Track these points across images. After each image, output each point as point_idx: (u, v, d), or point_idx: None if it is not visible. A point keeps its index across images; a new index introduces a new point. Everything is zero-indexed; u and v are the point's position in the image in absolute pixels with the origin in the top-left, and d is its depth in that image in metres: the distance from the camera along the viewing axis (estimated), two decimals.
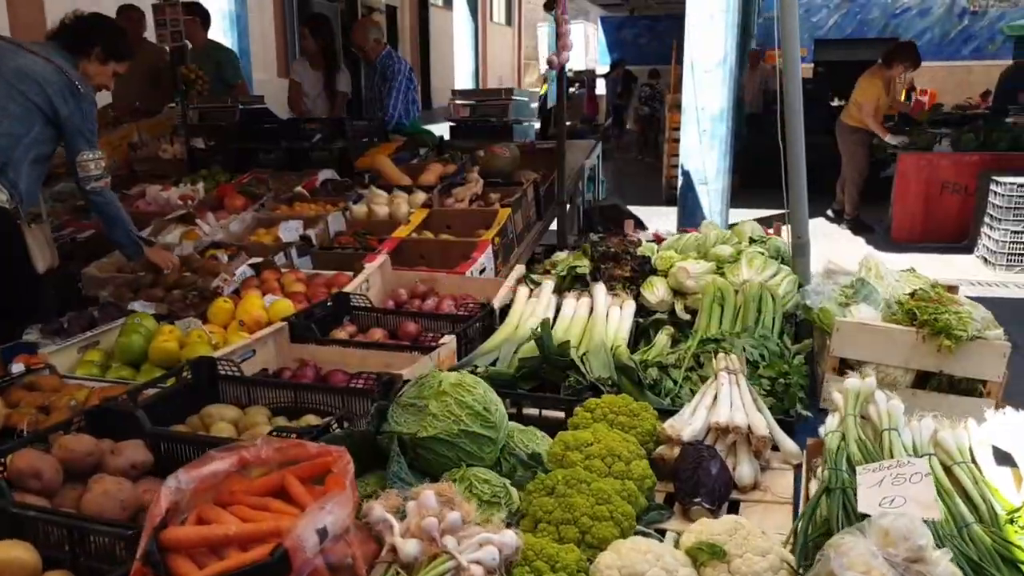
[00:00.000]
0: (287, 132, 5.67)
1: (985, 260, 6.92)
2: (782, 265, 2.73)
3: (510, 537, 1.17)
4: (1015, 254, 6.60)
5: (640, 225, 4.64)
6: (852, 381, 1.73)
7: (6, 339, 2.91)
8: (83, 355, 2.64)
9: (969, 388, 2.32)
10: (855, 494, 1.38)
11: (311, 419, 2.09)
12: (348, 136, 5.16)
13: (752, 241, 3.04)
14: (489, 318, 2.74)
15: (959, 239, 7.59)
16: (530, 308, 2.69)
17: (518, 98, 5.38)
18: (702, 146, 7.63)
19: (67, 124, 3.09)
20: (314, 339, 2.61)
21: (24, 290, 3.15)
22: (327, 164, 5.07)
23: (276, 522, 1.15)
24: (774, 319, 2.40)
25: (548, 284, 2.73)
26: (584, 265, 2.79)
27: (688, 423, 1.67)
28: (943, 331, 2.26)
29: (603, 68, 25.13)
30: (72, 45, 3.14)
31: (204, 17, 6.54)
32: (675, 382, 2.14)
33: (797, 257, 2.70)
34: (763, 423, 1.65)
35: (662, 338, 2.47)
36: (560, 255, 3.19)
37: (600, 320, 2.51)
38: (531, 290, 2.80)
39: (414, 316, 2.86)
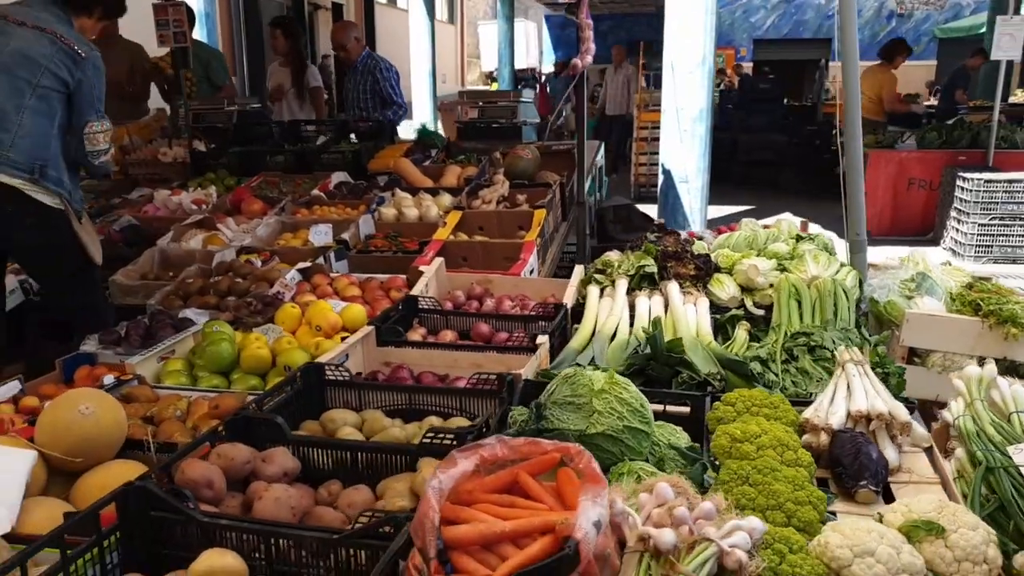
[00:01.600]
0: (290, 134, 5.63)
1: (953, 252, 7.29)
2: (841, 261, 2.88)
3: (756, 522, 1.25)
4: (982, 246, 6.97)
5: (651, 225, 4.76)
6: (973, 369, 1.86)
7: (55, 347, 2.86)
8: (163, 365, 2.61)
9: None
10: (1019, 472, 1.51)
11: (434, 420, 2.13)
12: (359, 138, 5.15)
13: (800, 238, 3.18)
14: (563, 318, 2.81)
15: (925, 232, 7.98)
16: (605, 307, 2.77)
17: (525, 100, 5.45)
18: (683, 146, 7.82)
19: (76, 93, 2.92)
20: (402, 342, 2.63)
21: (83, 291, 3.07)
22: (338, 166, 5.05)
23: (544, 517, 1.20)
24: (849, 313, 2.53)
25: (622, 283, 2.81)
26: (651, 264, 2.88)
27: (833, 412, 1.77)
28: (1009, 320, 2.43)
29: (549, 67, 25.36)
30: (73, 5, 2.96)
31: (190, 16, 6.42)
32: (776, 375, 2.24)
33: (855, 253, 2.86)
34: (903, 410, 1.76)
35: (740, 333, 2.58)
36: (611, 255, 3.27)
37: (681, 317, 2.60)
38: (601, 289, 2.87)
39: (485, 317, 2.91)
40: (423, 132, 5.49)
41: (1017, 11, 13.60)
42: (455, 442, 1.79)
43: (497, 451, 1.31)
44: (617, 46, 14.18)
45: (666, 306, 2.73)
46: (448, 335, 2.86)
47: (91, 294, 3.09)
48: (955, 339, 2.49)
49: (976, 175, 6.87)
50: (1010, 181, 6.74)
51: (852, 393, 1.81)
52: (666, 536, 1.21)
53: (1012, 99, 13.36)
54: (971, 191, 6.88)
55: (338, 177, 4.93)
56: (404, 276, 3.36)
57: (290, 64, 6.18)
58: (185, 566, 1.50)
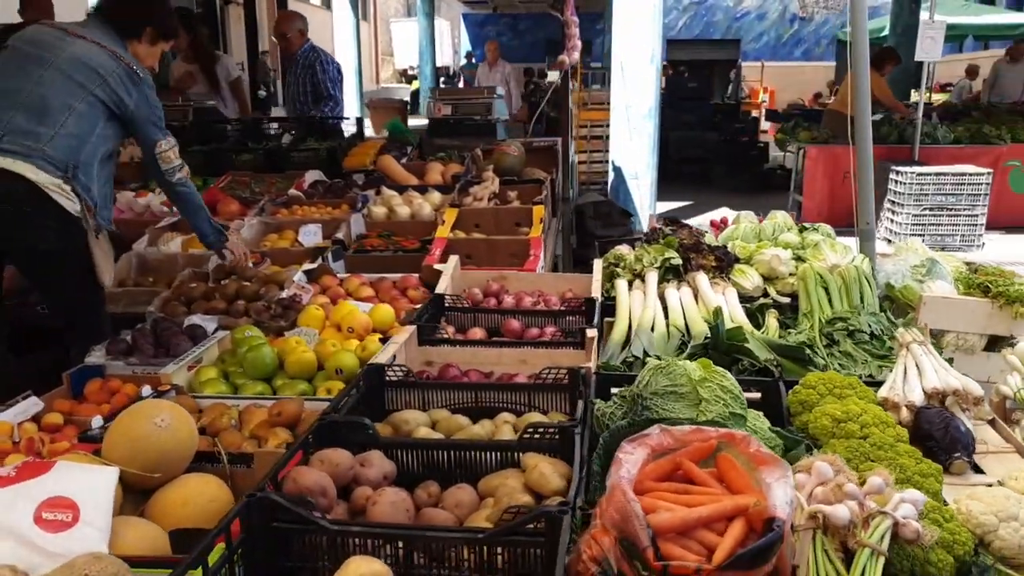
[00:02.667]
0: (251, 132, 5.45)
1: (888, 240, 7.70)
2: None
3: (917, 495, 1.31)
4: (915, 235, 7.39)
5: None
6: None
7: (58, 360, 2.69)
8: (194, 374, 2.49)
9: None
10: None
11: (507, 417, 2.11)
12: (326, 135, 5.03)
13: (804, 229, 3.31)
14: (598, 312, 2.83)
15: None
16: (636, 300, 2.81)
17: (499, 97, 5.44)
18: (632, 143, 7.96)
19: (135, 115, 2.87)
20: (443, 341, 2.60)
21: (84, 308, 2.91)
22: (311, 165, 4.92)
23: (734, 501, 1.22)
24: (873, 298, 2.65)
25: (652, 276, 2.86)
26: (675, 256, 2.94)
27: (911, 390, 1.86)
28: (1017, 300, 2.60)
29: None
30: (122, 25, 2.89)
31: None
32: (823, 359, 2.34)
33: (865, 241, 3.00)
34: (975, 385, 1.87)
35: (771, 321, 2.67)
36: (622, 249, 3.32)
37: (716, 306, 2.67)
38: (629, 283, 2.92)
39: (514, 313, 2.90)
40: (395, 128, 5.40)
41: (916, 14, 14.48)
42: (557, 437, 1.79)
43: (663, 440, 1.33)
44: (491, 43, 13.24)
45: (695, 297, 2.79)
46: (477, 332, 2.84)
47: (93, 314, 2.93)
48: (969, 319, 2.65)
49: (908, 169, 7.28)
50: (938, 174, 7.18)
51: (923, 371, 1.91)
52: (841, 512, 1.25)
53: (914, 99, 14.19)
54: (904, 183, 7.29)
55: (312, 176, 4.80)
56: (416, 275, 3.31)
57: (194, 59, 5.94)
58: None
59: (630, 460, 1.25)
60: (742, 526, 1.17)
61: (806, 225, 3.32)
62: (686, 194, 11.18)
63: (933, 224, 7.29)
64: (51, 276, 2.79)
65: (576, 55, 4.42)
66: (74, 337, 2.85)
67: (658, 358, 2.29)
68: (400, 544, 1.48)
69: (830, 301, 2.63)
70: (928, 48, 7.74)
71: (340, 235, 3.89)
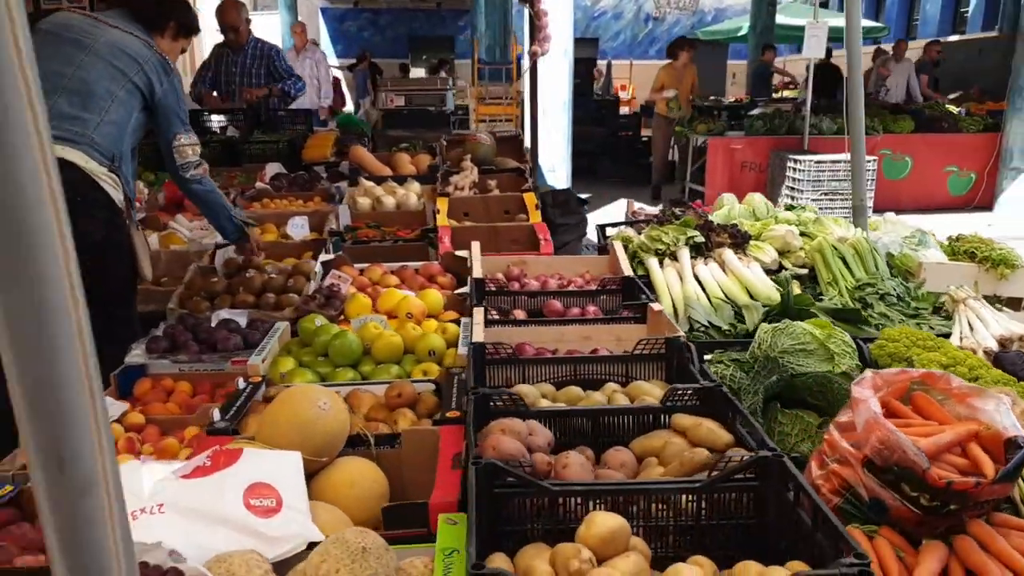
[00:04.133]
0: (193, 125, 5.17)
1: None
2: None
3: None
4: None
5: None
6: None
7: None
8: (269, 365, 2.42)
9: (1014, 303, 3.08)
10: None
11: (613, 386, 2.21)
12: (276, 127, 4.88)
13: (791, 208, 3.61)
14: (636, 289, 2.97)
15: None
16: (671, 275, 2.98)
17: (451, 88, 5.45)
18: (549, 136, 8.17)
19: (162, 105, 2.75)
20: (507, 322, 2.66)
21: (122, 303, 2.72)
22: (269, 158, 4.76)
23: (966, 427, 1.40)
24: (881, 266, 2.96)
25: (685, 253, 3.04)
26: (698, 235, 3.14)
27: (984, 338, 2.13)
28: (1001, 263, 2.99)
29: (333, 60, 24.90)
30: (148, 18, 2.76)
31: None
32: (876, 319, 2.60)
33: (859, 216, 3.32)
34: None
35: (796, 289, 2.92)
36: (628, 231, 3.49)
37: (747, 278, 2.88)
38: (660, 261, 3.08)
39: (554, 294, 2.99)
40: (348, 121, 5.30)
41: (773, 16, 15.62)
42: (696, 398, 1.92)
43: (875, 381, 1.49)
44: (297, 26, 11.80)
45: (723, 271, 3.00)
46: (519, 313, 2.91)
47: (127, 309, 2.76)
48: (960, 281, 3.01)
49: (807, 157, 7.94)
50: (834, 161, 7.87)
51: (986, 322, 2.19)
52: None
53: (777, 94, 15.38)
54: (803, 171, 7.94)
55: (273, 169, 4.66)
56: (437, 263, 3.33)
57: None
58: (527, 540, 1.51)
59: (872, 400, 1.39)
60: (979, 448, 1.35)
61: (792, 204, 3.61)
62: (578, 187, 11.57)
63: (828, 208, 7.96)
64: (95, 269, 2.59)
65: (548, 45, 4.53)
66: (109, 335, 2.66)
67: (717, 328, 2.47)
68: (621, 499, 1.56)
69: (849, 269, 2.91)
70: (813, 47, 8.45)
71: (331, 227, 3.82)
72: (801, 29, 19.10)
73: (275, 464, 1.59)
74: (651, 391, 2.12)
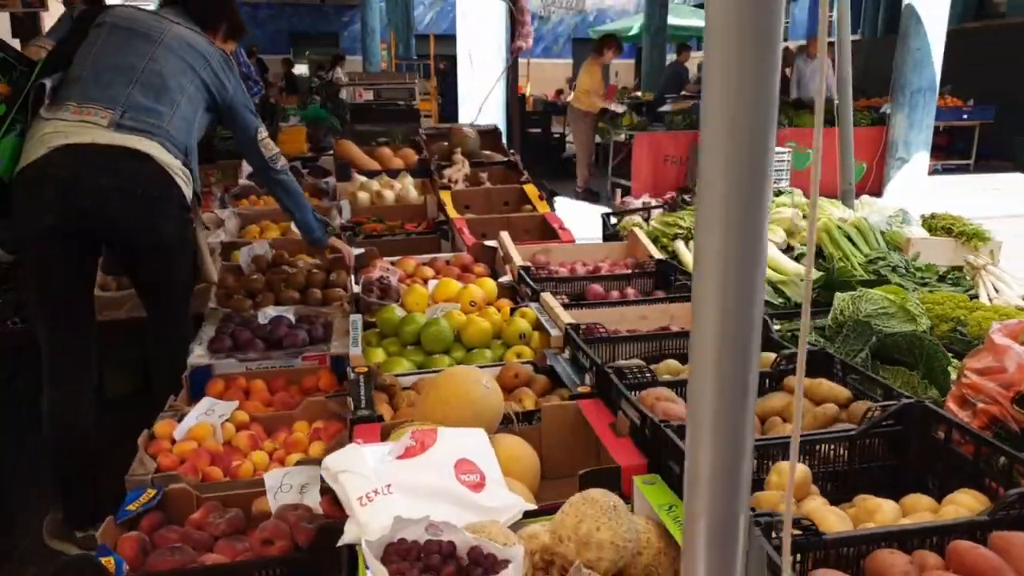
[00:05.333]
0: None
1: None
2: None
3: None
4: None
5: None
6: None
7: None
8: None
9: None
10: None
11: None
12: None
13: (779, 192, 3.90)
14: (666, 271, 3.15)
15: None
16: None
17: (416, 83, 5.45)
18: None
19: (234, 101, 2.68)
20: (569, 305, 2.76)
21: (184, 306, 2.63)
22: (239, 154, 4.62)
23: None
24: (879, 242, 3.28)
25: None
26: None
27: (1011, 300, 2.44)
28: (974, 236, 3.37)
29: None
30: (203, 16, 2.67)
31: None
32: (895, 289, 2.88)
33: (847, 199, 3.63)
34: None
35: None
36: (635, 218, 3.67)
37: (771, 256, 3.12)
38: (686, 243, 3.28)
39: (594, 279, 3.13)
40: (316, 114, 5.21)
41: (665, 17, 16.31)
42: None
43: (1004, 331, 1.72)
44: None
45: None
46: (563, 298, 3.03)
47: (186, 312, 2.66)
48: (942, 253, 3.38)
49: None
50: None
51: (1009, 284, 2.50)
52: None
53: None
54: None
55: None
56: (466, 253, 3.39)
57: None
58: None
59: (1016, 345, 1.61)
60: None
61: (779, 190, 3.90)
62: None
63: None
64: (163, 270, 2.49)
65: (530, 40, 4.64)
66: (168, 337, 2.58)
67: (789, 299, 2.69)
68: (781, 452, 1.71)
69: (855, 246, 3.20)
70: None
71: (338, 221, 3.79)
72: (688, 29, 19.99)
73: (468, 442, 1.64)
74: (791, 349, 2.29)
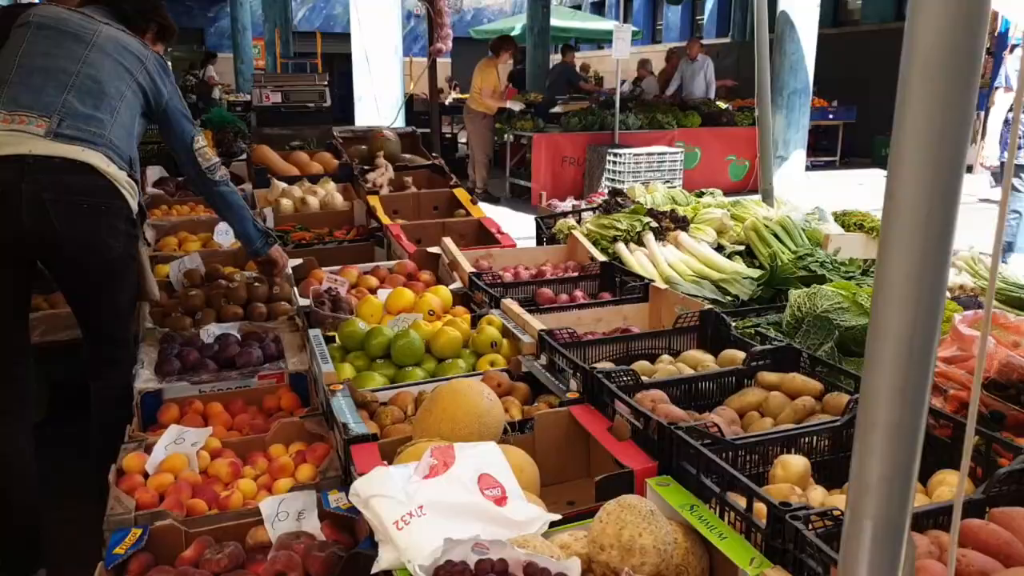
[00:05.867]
0: None
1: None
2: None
3: None
4: None
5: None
6: (964, 253, 2.92)
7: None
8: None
9: None
10: None
11: (668, 358, 2.44)
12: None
13: (702, 194, 4.06)
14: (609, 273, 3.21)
15: (578, 199, 9.70)
16: (641, 258, 3.27)
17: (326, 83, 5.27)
18: None
19: (169, 107, 2.50)
20: (532, 310, 2.77)
21: (126, 327, 2.43)
22: (147, 160, 4.35)
23: None
24: (803, 239, 3.48)
25: (650, 237, 3.34)
26: (651, 221, 3.46)
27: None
28: (878, 229, 3.64)
29: None
30: (131, 17, 2.48)
31: None
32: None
33: (767, 198, 3.82)
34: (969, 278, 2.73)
35: (740, 262, 3.35)
36: (569, 220, 3.74)
37: (708, 256, 3.26)
38: (627, 244, 3.36)
39: (543, 283, 3.15)
40: (220, 118, 4.94)
41: (548, 17, 16.60)
42: (768, 361, 2.21)
43: (965, 321, 1.87)
44: None
45: (679, 251, 3.35)
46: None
47: (127, 333, 2.46)
48: (857, 248, 3.63)
49: (627, 151, 8.67)
50: (649, 154, 8.68)
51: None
52: None
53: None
54: (623, 163, 8.67)
55: (155, 172, 4.29)
56: (409, 262, 3.33)
57: None
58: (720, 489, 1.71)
59: (974, 335, 1.76)
60: None
61: (702, 191, 4.07)
62: None
63: None
64: (108, 289, 2.29)
65: (449, 43, 4.60)
66: (111, 360, 2.38)
67: (734, 296, 2.81)
68: (780, 447, 1.79)
69: (783, 244, 3.39)
70: (620, 48, 9.23)
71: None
72: (569, 30, 20.37)
73: (485, 456, 1.62)
74: (703, 359, 2.38)
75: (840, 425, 1.83)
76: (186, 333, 2.69)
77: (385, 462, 1.76)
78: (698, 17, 23.92)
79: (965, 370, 1.77)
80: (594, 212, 3.95)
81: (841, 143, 13.30)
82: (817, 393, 2.04)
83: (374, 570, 1.40)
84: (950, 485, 1.60)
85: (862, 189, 10.78)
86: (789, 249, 3.36)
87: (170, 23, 2.68)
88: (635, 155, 8.65)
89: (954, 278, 2.76)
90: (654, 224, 3.46)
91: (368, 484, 1.45)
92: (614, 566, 1.39)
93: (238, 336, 2.67)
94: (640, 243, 3.38)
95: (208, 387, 2.41)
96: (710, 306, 2.60)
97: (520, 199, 9.99)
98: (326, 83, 5.15)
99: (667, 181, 8.80)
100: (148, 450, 1.97)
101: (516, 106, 9.73)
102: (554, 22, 17.48)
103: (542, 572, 1.29)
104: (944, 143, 0.66)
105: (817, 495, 1.67)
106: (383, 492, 1.43)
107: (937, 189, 0.68)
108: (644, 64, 14.07)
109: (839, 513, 1.40)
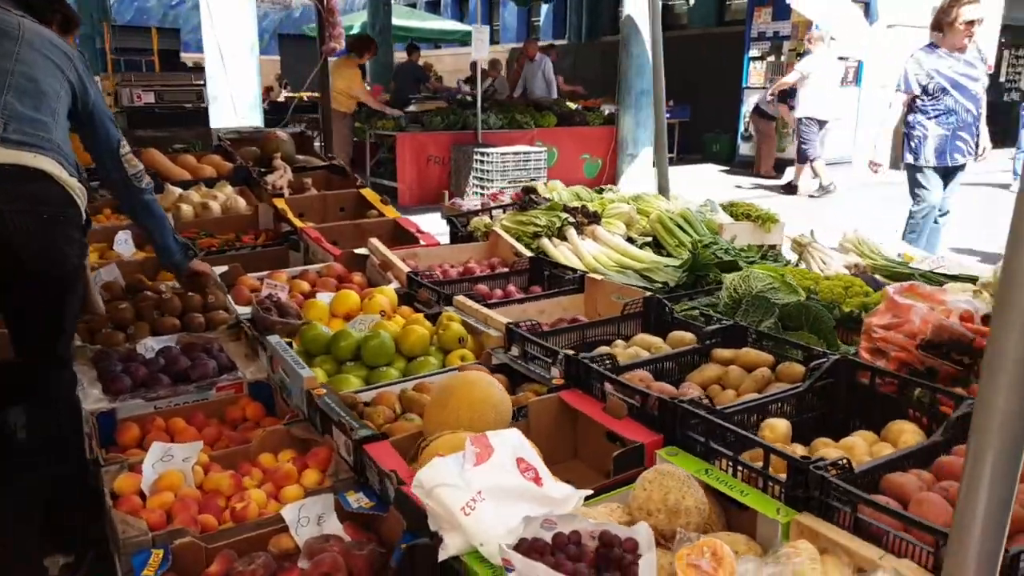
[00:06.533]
0: None
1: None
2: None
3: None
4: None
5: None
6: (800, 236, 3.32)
7: None
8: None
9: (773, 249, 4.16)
10: None
11: (622, 343, 2.59)
12: None
13: (601, 191, 4.29)
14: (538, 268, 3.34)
15: (441, 199, 9.76)
16: (566, 251, 3.43)
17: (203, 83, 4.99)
18: None
19: (96, 109, 2.32)
20: (485, 305, 2.84)
21: (68, 343, 2.23)
22: None
23: (958, 312, 2.14)
24: (704, 230, 3.79)
25: (572, 231, 3.49)
26: (569, 216, 3.63)
27: (840, 269, 3.00)
28: (768, 220, 4.03)
29: None
30: (37, 8, 2.27)
31: None
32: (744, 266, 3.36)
33: (664, 192, 4.08)
34: (856, 258, 3.11)
35: (650, 252, 3.60)
36: (483, 219, 3.85)
37: (623, 248, 3.48)
38: (550, 239, 3.51)
39: (478, 280, 3.22)
40: None
41: (389, 15, 16.52)
42: (719, 339, 2.42)
43: (898, 291, 2.17)
44: None
45: (597, 244, 3.54)
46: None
47: (69, 350, 2.26)
48: (747, 235, 3.99)
49: (494, 150, 8.85)
50: (516, 153, 8.92)
51: (832, 257, 3.08)
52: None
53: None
54: (491, 162, 8.85)
55: None
56: (337, 264, 3.29)
57: None
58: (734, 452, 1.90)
59: (918, 303, 2.05)
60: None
61: (602, 187, 4.30)
62: None
63: (511, 188, 8.99)
64: (58, 303, 2.08)
65: (342, 41, 4.51)
66: (58, 379, 2.19)
67: (662, 283, 3.03)
68: (756, 414, 1.99)
69: (687, 234, 3.67)
70: (479, 48, 9.40)
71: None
72: (409, 29, 20.30)
73: (513, 442, 1.69)
74: (654, 341, 2.56)
75: (803, 391, 2.06)
76: (121, 349, 2.53)
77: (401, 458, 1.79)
78: (534, 19, 24.61)
79: (904, 334, 2.05)
80: (503, 210, 4.06)
81: (677, 141, 14.24)
82: (770, 364, 2.27)
83: (442, 557, 1.44)
84: (908, 432, 1.86)
85: (699, 182, 11.59)
86: (693, 239, 3.64)
87: (74, 14, 2.50)
88: (502, 154, 8.85)
89: (845, 258, 3.14)
90: (572, 219, 3.62)
91: (431, 475, 1.48)
92: (662, 528, 1.52)
93: (179, 348, 2.55)
94: (562, 237, 3.54)
95: (164, 403, 2.30)
96: (649, 293, 2.79)
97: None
98: (202, 83, 4.89)
99: (533, 179, 9.09)
100: (132, 471, 1.87)
101: (395, 112, 9.70)
102: (394, 21, 17.42)
103: (615, 538, 1.39)
104: None
105: (799, 450, 1.88)
106: (446, 481, 1.47)
107: None
108: (494, 65, 14.35)
109: (846, 462, 1.60)
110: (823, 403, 2.11)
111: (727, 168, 13.28)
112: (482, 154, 8.94)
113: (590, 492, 1.67)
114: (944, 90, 4.79)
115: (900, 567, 1.35)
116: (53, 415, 2.19)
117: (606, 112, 11.56)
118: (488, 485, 1.52)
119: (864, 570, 1.39)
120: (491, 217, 3.98)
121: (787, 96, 10.79)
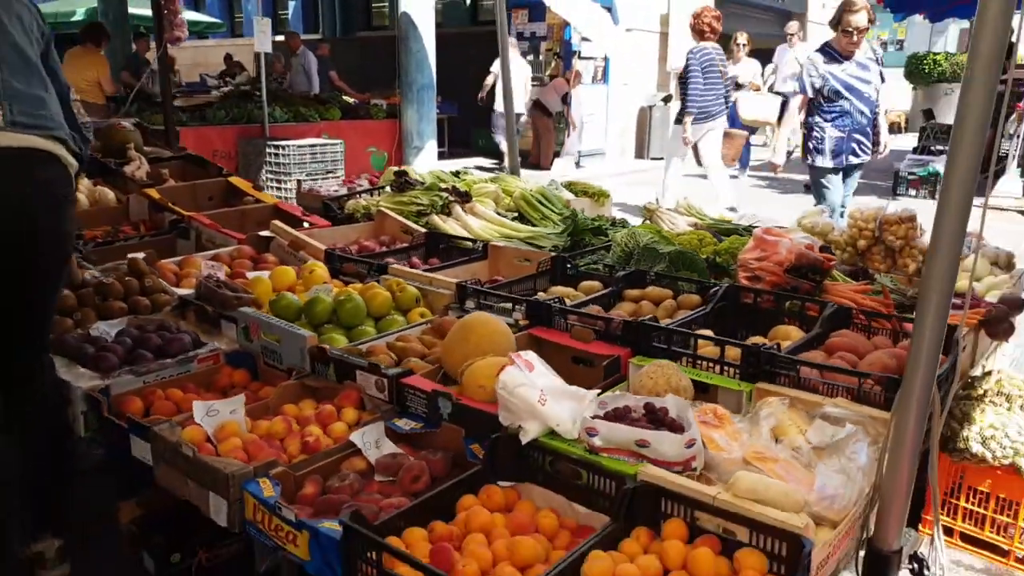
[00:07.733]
0: None
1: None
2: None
3: None
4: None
5: None
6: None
7: None
8: None
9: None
10: None
11: (543, 294, 3.05)
12: None
13: (456, 173, 4.71)
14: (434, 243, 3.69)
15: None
16: (455, 225, 3.83)
17: None
18: None
19: (51, 59, 2.21)
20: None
21: (50, 320, 2.17)
22: None
23: (800, 245, 2.89)
24: (561, 204, 4.38)
25: (457, 208, 3.89)
26: (448, 196, 4.02)
27: (688, 228, 3.73)
28: (600, 195, 4.72)
29: None
30: None
31: None
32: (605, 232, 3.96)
33: (515, 174, 4.57)
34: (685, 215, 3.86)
35: (522, 224, 4.12)
36: (363, 200, 4.13)
37: (502, 221, 3.96)
38: (439, 216, 3.88)
39: (388, 255, 3.50)
40: None
41: (126, 3, 15.45)
42: (624, 283, 2.98)
43: (766, 232, 2.88)
44: None
45: (477, 218, 3.98)
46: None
47: (50, 326, 2.19)
48: (589, 208, 4.64)
49: (290, 143, 8.81)
50: (312, 146, 8.96)
51: (676, 218, 3.80)
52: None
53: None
54: (288, 155, 8.81)
55: None
56: (246, 247, 3.38)
57: None
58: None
59: (783, 239, 2.75)
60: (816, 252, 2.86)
61: (456, 171, 4.72)
62: None
63: (321, 184, 9.00)
64: (54, 284, 2.03)
65: (185, 30, 4.41)
66: (42, 364, 2.15)
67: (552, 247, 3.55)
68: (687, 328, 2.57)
69: (550, 208, 4.23)
70: (262, 42, 9.28)
71: None
72: (141, 18, 19.00)
73: (536, 358, 2.09)
74: (568, 291, 3.07)
75: (708, 312, 2.68)
76: (75, 334, 2.51)
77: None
78: (281, 12, 23.94)
79: (772, 263, 2.76)
80: (371, 194, 4.34)
81: (448, 135, 14.93)
82: (671, 297, 2.88)
83: (525, 440, 1.82)
84: (792, 331, 2.54)
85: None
86: (555, 212, 4.20)
87: None
88: (299, 147, 8.85)
89: (687, 219, 3.87)
90: (451, 199, 4.01)
91: (512, 377, 1.85)
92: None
93: (136, 330, 2.58)
94: (447, 214, 3.91)
95: (152, 376, 2.36)
96: (553, 253, 3.30)
97: None
98: None
99: (330, 171, 9.21)
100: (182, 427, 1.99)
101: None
102: (135, 10, 16.15)
103: (654, 406, 1.87)
104: None
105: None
106: (524, 382, 1.85)
107: None
108: (279, 59, 14.01)
109: (776, 345, 2.22)
110: (720, 320, 2.75)
111: (497, 162, 14.20)
112: (276, 147, 8.86)
113: (598, 391, 2.13)
114: (838, 93, 4.97)
115: (837, 403, 1.98)
116: (42, 399, 2.17)
117: (384, 106, 11.86)
118: (544, 385, 1.92)
119: (814, 410, 2.00)
120: (364, 200, 4.23)
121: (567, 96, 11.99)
